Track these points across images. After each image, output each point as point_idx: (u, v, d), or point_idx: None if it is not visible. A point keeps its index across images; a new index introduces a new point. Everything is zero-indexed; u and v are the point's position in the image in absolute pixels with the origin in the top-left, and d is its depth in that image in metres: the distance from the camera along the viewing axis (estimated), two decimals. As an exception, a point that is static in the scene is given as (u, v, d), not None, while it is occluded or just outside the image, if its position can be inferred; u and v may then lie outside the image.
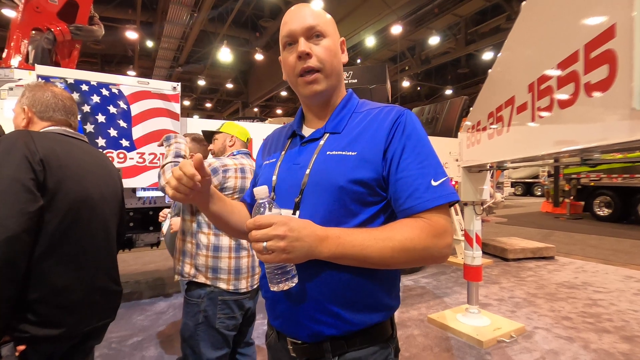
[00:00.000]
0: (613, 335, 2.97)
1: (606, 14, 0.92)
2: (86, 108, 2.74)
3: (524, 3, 1.56)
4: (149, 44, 13.33)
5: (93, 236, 1.19)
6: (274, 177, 0.84)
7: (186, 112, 21.39)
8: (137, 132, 2.95)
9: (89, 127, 2.75)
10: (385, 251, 0.68)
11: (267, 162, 0.92)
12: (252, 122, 5.81)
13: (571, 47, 1.10)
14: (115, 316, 1.30)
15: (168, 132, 3.07)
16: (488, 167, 2.90)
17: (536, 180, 17.95)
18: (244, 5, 11.15)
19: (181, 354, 1.69)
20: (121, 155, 2.89)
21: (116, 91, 2.88)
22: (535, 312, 3.50)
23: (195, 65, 15.25)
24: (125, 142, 2.90)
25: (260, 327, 3.05)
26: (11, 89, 2.64)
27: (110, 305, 1.28)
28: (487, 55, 13.31)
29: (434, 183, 0.72)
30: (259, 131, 3.65)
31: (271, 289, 0.70)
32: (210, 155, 1.97)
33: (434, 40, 12.69)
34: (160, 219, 2.33)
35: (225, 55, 12.90)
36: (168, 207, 2.88)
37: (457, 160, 4.59)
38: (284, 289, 0.69)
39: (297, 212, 0.77)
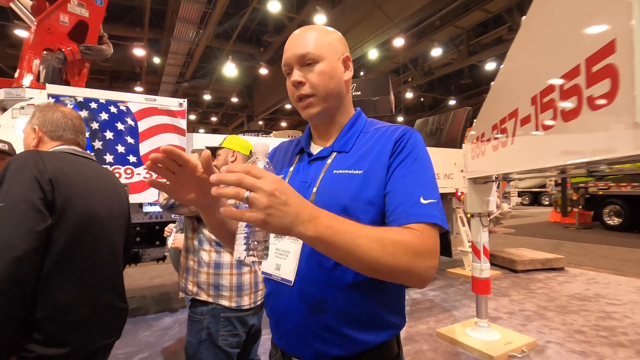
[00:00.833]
0: (628, 349, 2.89)
1: (606, 29, 0.93)
2: (95, 125, 2.79)
3: (524, 18, 1.58)
4: (156, 60, 13.62)
5: (100, 253, 1.20)
6: None
7: (192, 126, 21.66)
8: (145, 148, 2.99)
9: (98, 144, 2.79)
10: (375, 249, 0.61)
11: None
12: (257, 135, 5.87)
13: (573, 61, 1.11)
14: (120, 334, 1.30)
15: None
16: (494, 179, 2.88)
17: (544, 189, 17.75)
18: (249, 22, 11.39)
19: (186, 371, 1.67)
20: (129, 171, 2.92)
21: (124, 108, 2.94)
22: (546, 325, 3.43)
23: (201, 80, 15.51)
24: (132, 158, 2.94)
25: (267, 342, 3.01)
26: (22, 108, 2.71)
27: (117, 323, 1.28)
28: (490, 66, 13.38)
29: (422, 201, 0.71)
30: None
31: (235, 256, 0.59)
32: None
33: (436, 52, 12.81)
34: (166, 233, 2.34)
35: (230, 70, 13.14)
36: (174, 222, 2.90)
37: (462, 171, 4.58)
38: (248, 260, 0.59)
39: None
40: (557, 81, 1.23)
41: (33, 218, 0.99)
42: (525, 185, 18.29)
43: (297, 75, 0.79)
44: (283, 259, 0.79)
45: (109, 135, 2.84)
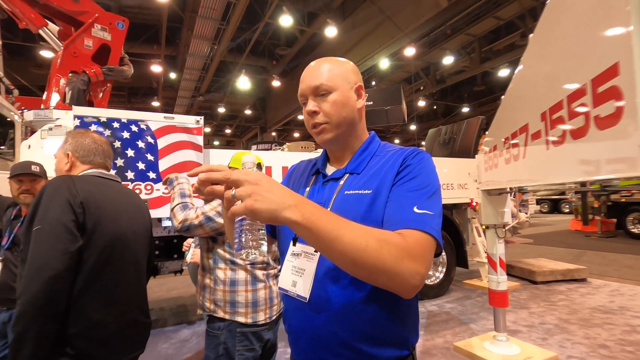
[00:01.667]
0: (656, 365, 2.79)
1: (608, 52, 0.95)
2: (117, 144, 2.92)
3: (531, 35, 1.61)
4: (172, 75, 14.07)
5: (126, 271, 1.27)
6: None
7: (207, 139, 22.10)
8: (164, 164, 3.10)
9: (120, 162, 2.92)
10: (359, 243, 0.62)
11: None
12: (270, 146, 5.96)
13: (580, 80, 1.13)
14: (144, 348, 1.36)
15: (192, 163, 3.22)
16: (508, 190, 2.87)
17: (563, 197, 17.28)
18: (261, 36, 11.69)
19: (205, 385, 1.71)
20: (148, 187, 3.03)
21: (144, 127, 3.07)
22: (568, 339, 3.33)
23: (216, 94, 15.89)
24: (152, 175, 3.05)
25: (283, 355, 3.04)
26: (50, 129, 2.86)
27: (141, 338, 1.34)
28: (503, 72, 13.27)
29: (416, 210, 0.72)
30: (279, 160, 3.76)
31: (234, 254, 0.65)
32: None
33: (448, 60, 12.81)
34: (184, 248, 2.41)
35: (243, 83, 13.44)
36: (192, 236, 2.98)
37: (476, 181, 4.54)
38: (244, 256, 0.62)
39: (317, 252, 0.81)
40: (565, 100, 1.25)
41: (66, 239, 1.07)
42: (544, 193, 17.85)
43: (311, 105, 0.85)
44: (299, 276, 0.82)
45: (130, 153, 2.96)
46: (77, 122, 2.81)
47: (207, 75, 13.34)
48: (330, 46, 11.29)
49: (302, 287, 0.81)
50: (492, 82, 14.79)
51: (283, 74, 14.11)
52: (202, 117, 3.38)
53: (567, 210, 16.87)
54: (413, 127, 20.05)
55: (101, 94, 4.17)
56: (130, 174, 2.96)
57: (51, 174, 1.74)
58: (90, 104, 4.09)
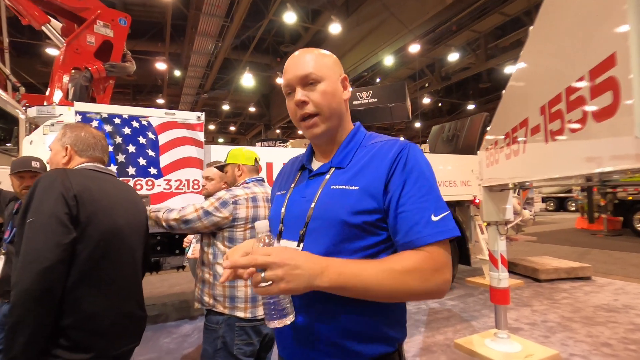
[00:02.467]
0: (659, 364, 2.75)
1: (606, 42, 0.94)
2: (118, 139, 2.93)
3: (531, 28, 1.58)
4: (177, 73, 14.10)
5: (121, 264, 1.27)
6: (283, 209, 0.89)
7: (212, 136, 22.19)
8: (165, 160, 3.11)
9: (121, 157, 2.93)
10: (385, 283, 0.68)
11: (279, 193, 0.98)
12: (275, 143, 5.96)
13: (578, 72, 1.11)
14: (140, 341, 1.37)
15: (194, 159, 3.23)
16: (509, 187, 2.84)
17: (569, 194, 17.11)
18: (265, 33, 11.66)
19: (204, 378, 1.72)
20: (149, 183, 3.04)
21: (145, 123, 3.07)
22: (571, 337, 3.30)
23: (220, 91, 15.92)
24: (153, 170, 3.06)
25: (282, 351, 3.04)
26: (53, 125, 2.88)
27: (137, 330, 1.35)
28: (509, 69, 13.11)
29: (434, 218, 0.73)
30: (282, 156, 3.76)
31: (268, 325, 0.69)
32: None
33: (453, 56, 12.70)
34: (185, 244, 2.43)
35: (247, 80, 13.44)
36: (192, 232, 2.99)
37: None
38: (279, 326, 0.68)
39: (302, 244, 0.80)
40: (564, 93, 1.23)
41: (60, 232, 1.07)
42: (550, 190, 17.68)
43: (300, 94, 0.82)
44: None
45: (131, 149, 2.97)
46: (79, 118, 2.83)
47: (212, 73, 13.36)
48: (334, 43, 11.24)
49: None
50: (498, 79, 14.63)
51: (287, 71, 14.07)
52: (203, 113, 3.38)
53: (574, 208, 16.69)
54: (418, 125, 19.93)
55: (103, 91, 4.19)
56: (131, 170, 2.97)
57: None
58: (93, 100, 4.11)
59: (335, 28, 10.02)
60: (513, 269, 5.73)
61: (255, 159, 1.97)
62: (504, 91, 2.23)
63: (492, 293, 3.07)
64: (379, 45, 10.31)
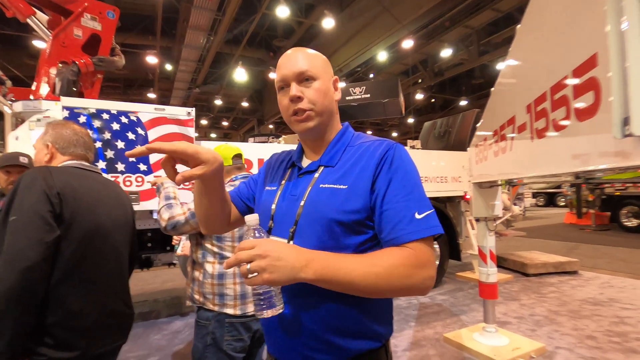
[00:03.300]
0: (641, 356, 2.83)
1: (588, 43, 0.95)
2: (107, 135, 2.89)
3: (518, 27, 1.59)
4: (168, 67, 13.92)
5: (106, 262, 1.26)
6: (273, 207, 0.89)
7: (204, 131, 21.99)
8: (154, 156, 3.08)
9: (110, 153, 2.89)
10: (370, 277, 0.69)
11: (268, 188, 0.98)
12: (268, 139, 5.92)
13: (562, 72, 1.12)
14: (127, 338, 1.36)
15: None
16: (498, 183, 2.87)
17: (559, 190, 17.35)
18: (258, 27, 11.53)
19: (194, 374, 1.72)
20: (139, 179, 3.02)
21: (134, 118, 3.04)
22: (557, 330, 3.37)
23: (212, 86, 15.75)
24: (143, 167, 3.03)
25: (273, 346, 3.06)
26: (39, 120, 2.83)
27: (123, 328, 1.34)
28: (501, 65, 13.16)
29: (417, 216, 0.75)
30: (272, 152, 3.74)
31: (257, 317, 0.71)
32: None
33: (446, 52, 12.71)
34: (174, 241, 2.41)
35: (240, 75, 13.31)
36: (180, 234, 2.97)
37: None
38: (269, 316, 0.70)
39: (292, 242, 0.81)
40: (549, 92, 1.25)
41: (43, 230, 1.06)
42: (540, 186, 17.91)
43: (295, 90, 0.83)
44: None
45: (120, 144, 2.94)
46: (66, 113, 2.78)
47: (204, 67, 13.20)
48: (327, 38, 11.18)
49: None
50: (491, 75, 14.69)
51: (280, 66, 13.96)
52: (194, 109, 3.35)
53: (563, 203, 16.96)
54: (411, 121, 19.99)
55: (92, 85, 4.12)
56: (120, 166, 2.94)
57: (35, 165, 1.72)
58: (81, 95, 4.04)
59: (328, 23, 9.96)
60: (502, 263, 5.81)
61: (237, 154, 1.96)
62: (492, 89, 2.24)
63: (481, 288, 3.11)
64: (373, 41, 10.28)
